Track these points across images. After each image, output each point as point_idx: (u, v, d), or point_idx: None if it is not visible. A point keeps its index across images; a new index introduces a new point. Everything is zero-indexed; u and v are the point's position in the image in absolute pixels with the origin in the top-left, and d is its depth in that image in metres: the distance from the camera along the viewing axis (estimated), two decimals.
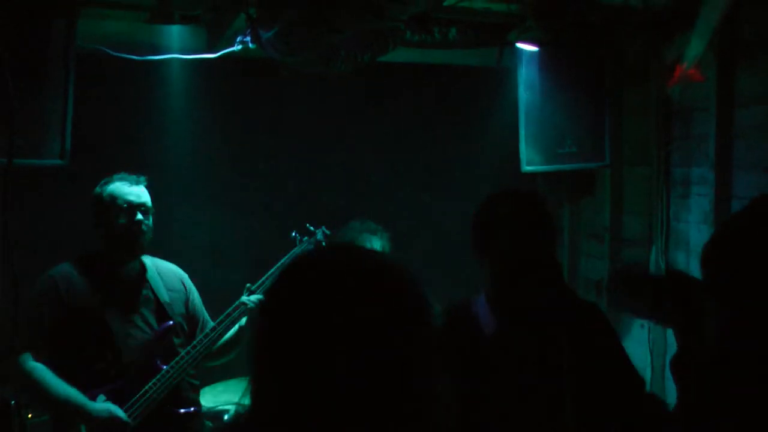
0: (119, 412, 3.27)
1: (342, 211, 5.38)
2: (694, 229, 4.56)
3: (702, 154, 4.43)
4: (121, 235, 3.46)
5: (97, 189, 3.50)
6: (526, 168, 4.72)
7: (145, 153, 4.75)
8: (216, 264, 5.05)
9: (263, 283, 3.67)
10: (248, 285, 3.67)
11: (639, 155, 4.98)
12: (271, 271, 3.71)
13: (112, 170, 4.08)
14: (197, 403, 3.69)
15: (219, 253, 5.14)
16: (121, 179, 3.50)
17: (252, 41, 3.62)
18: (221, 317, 3.57)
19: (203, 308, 3.80)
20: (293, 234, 3.98)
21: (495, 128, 5.24)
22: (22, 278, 3.62)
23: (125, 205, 3.45)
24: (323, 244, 4.03)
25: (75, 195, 4.19)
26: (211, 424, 3.95)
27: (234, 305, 3.59)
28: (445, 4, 3.85)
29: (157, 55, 3.99)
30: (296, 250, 3.89)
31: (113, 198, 3.46)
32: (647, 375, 4.94)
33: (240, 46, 3.73)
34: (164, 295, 3.58)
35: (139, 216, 3.46)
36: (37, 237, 4.28)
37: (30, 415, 3.99)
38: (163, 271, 3.67)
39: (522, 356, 2.52)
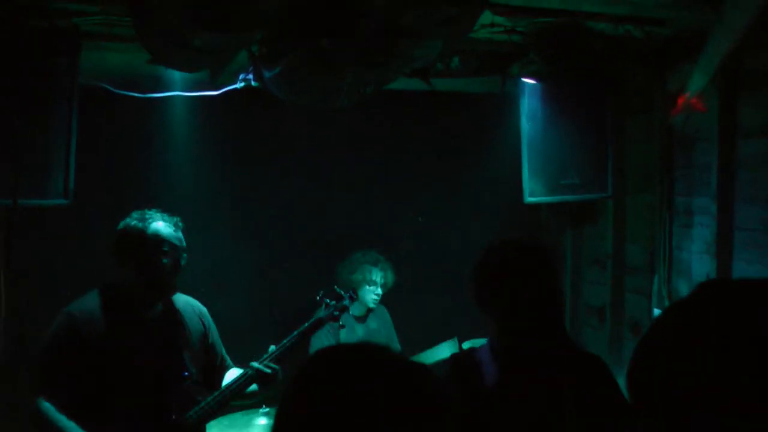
0: None
1: (346, 239, 5.40)
2: (696, 259, 4.56)
3: (704, 183, 4.43)
4: (161, 275, 3.38)
5: (136, 224, 3.39)
6: (529, 199, 4.72)
7: (148, 185, 4.76)
8: (219, 293, 5.04)
9: (283, 346, 3.59)
10: (272, 347, 3.58)
11: (641, 183, 4.99)
12: (294, 333, 3.65)
13: (117, 204, 4.09)
14: None
15: (222, 283, 5.14)
16: (163, 219, 3.44)
17: (254, 79, 3.63)
18: (237, 376, 3.49)
19: (221, 345, 3.74)
20: (320, 294, 3.95)
21: (499, 154, 5.24)
22: (28, 313, 3.65)
23: (170, 247, 3.39)
24: (349, 310, 3.99)
25: (80, 230, 4.22)
26: None
27: (249, 368, 3.50)
28: None
29: (159, 92, 4.00)
30: (321, 315, 3.85)
31: (160, 238, 3.38)
32: None
33: (242, 84, 3.73)
34: (182, 339, 3.50)
35: (181, 260, 3.44)
36: (41, 272, 4.29)
37: None
38: (183, 308, 3.59)
39: (523, 407, 2.50)
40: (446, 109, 5.31)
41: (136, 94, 3.91)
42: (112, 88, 3.85)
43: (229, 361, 3.73)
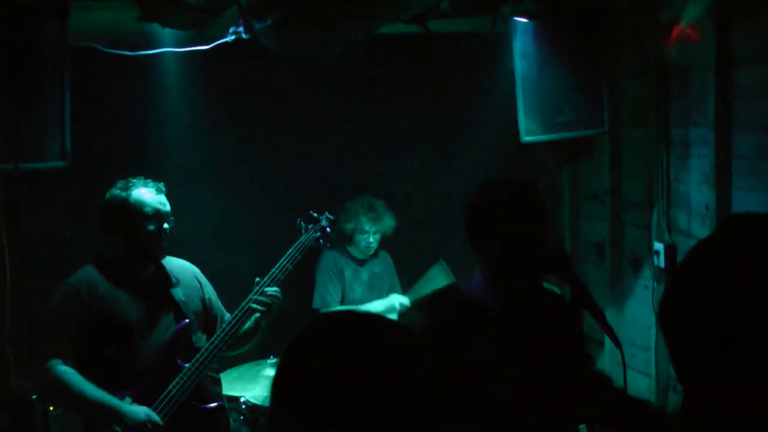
0: (154, 415, 3.32)
1: (342, 186, 5.40)
2: (694, 190, 4.57)
3: (701, 114, 4.42)
4: (147, 242, 3.49)
5: (120, 193, 3.48)
6: (526, 138, 4.72)
7: (144, 144, 4.74)
8: (220, 249, 5.08)
9: (272, 275, 3.69)
10: (257, 279, 3.68)
11: (637, 117, 4.97)
12: (280, 261, 3.75)
13: (113, 166, 4.08)
14: (221, 398, 3.75)
15: (222, 238, 5.16)
16: (145, 185, 3.51)
17: (245, 32, 3.59)
18: (236, 311, 3.60)
19: (219, 301, 3.83)
20: (298, 221, 3.99)
21: (493, 95, 5.21)
22: (32, 279, 3.66)
23: (153, 213, 3.47)
24: (328, 230, 4.04)
25: (78, 194, 4.20)
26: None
27: (247, 300, 3.61)
28: None
29: (149, 49, 3.96)
30: (303, 239, 3.93)
31: (141, 204, 3.46)
32: (651, 336, 4.99)
33: (233, 37, 3.70)
34: (180, 294, 3.60)
35: (166, 225, 3.50)
36: (44, 238, 4.28)
37: (51, 408, 4.05)
38: (177, 270, 3.69)
39: (531, 327, 2.58)
40: (438, 51, 5.25)
41: (126, 53, 3.88)
42: (101, 48, 3.81)
43: (228, 314, 3.78)
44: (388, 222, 5.34)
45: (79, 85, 3.70)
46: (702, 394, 1.33)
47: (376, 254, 5.46)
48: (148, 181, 3.53)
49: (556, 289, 2.89)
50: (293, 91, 5.23)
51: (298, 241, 3.89)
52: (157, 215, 3.47)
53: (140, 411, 3.29)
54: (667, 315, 1.37)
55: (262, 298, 3.61)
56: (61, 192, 4.27)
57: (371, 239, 5.26)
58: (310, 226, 4.01)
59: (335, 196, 5.35)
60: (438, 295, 2.78)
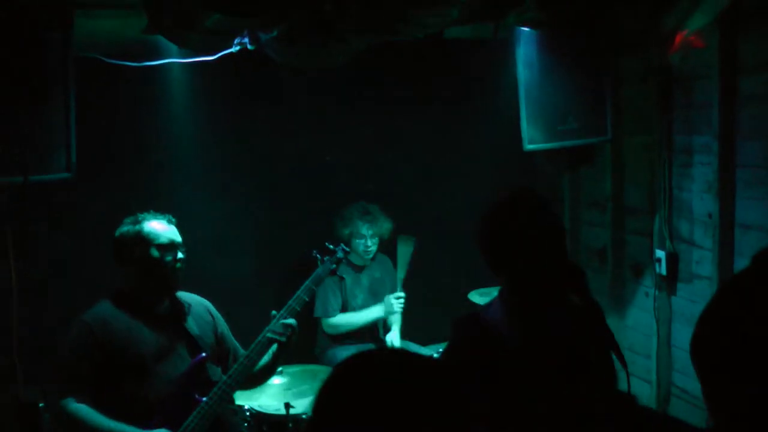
0: None
1: (344, 193, 5.39)
2: (697, 198, 4.58)
3: (704, 122, 4.42)
4: (162, 274, 3.46)
5: (131, 228, 3.46)
6: (529, 146, 4.72)
7: (149, 153, 4.72)
8: (222, 255, 5.06)
9: (289, 306, 3.65)
10: (273, 312, 3.63)
11: (639, 124, 4.97)
12: (296, 294, 3.71)
13: (119, 176, 4.06)
14: (238, 428, 3.76)
15: (225, 245, 5.14)
16: (155, 218, 3.50)
17: (250, 43, 3.57)
18: (253, 344, 3.57)
19: (231, 336, 3.81)
20: (314, 253, 4.00)
21: (495, 102, 5.20)
22: (40, 289, 3.65)
23: (167, 244, 3.46)
24: (344, 261, 4.07)
25: (85, 204, 4.19)
26: None
27: (264, 332, 3.58)
28: None
29: (154, 59, 3.93)
30: (319, 272, 3.91)
31: (154, 236, 3.45)
32: (653, 343, 5.01)
33: (238, 48, 3.67)
34: (195, 328, 3.57)
35: (180, 255, 3.49)
36: (49, 253, 4.27)
37: None
38: (190, 301, 3.67)
39: (553, 361, 2.49)
40: (440, 58, 5.26)
41: (130, 63, 3.85)
42: (105, 59, 3.78)
43: (242, 350, 3.74)
44: (385, 225, 5.34)
45: (84, 95, 3.67)
46: (735, 427, 1.33)
47: (375, 259, 5.45)
48: (158, 213, 3.53)
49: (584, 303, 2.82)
50: (296, 99, 5.21)
51: (314, 273, 3.87)
52: (171, 246, 3.47)
53: None
54: (701, 347, 1.37)
55: (280, 329, 3.57)
56: (68, 202, 4.23)
57: (369, 243, 5.26)
58: (326, 258, 4.00)
59: (337, 203, 5.35)
60: (459, 322, 2.72)
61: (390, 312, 5.24)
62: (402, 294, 5.25)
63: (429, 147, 5.72)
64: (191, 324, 3.57)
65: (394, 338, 5.30)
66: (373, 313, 5.27)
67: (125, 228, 3.48)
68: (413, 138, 5.64)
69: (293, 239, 5.47)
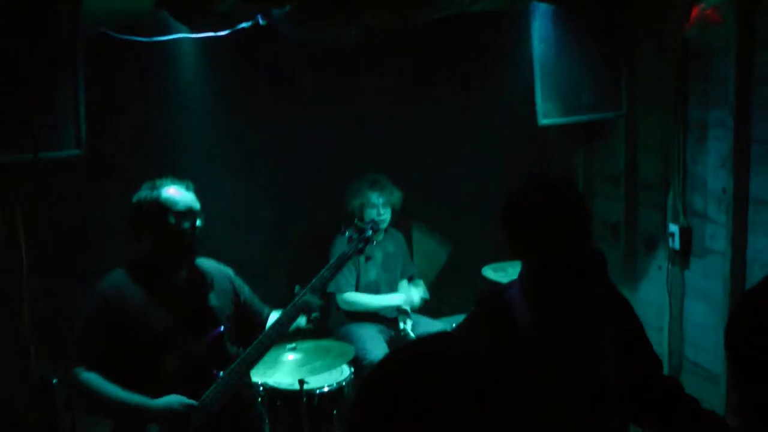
0: (185, 399, 3.22)
1: (358, 170, 5.37)
2: (711, 173, 4.54)
3: (720, 97, 4.38)
4: (180, 241, 3.37)
5: (149, 194, 3.35)
6: (543, 121, 4.69)
7: (159, 130, 4.70)
8: (234, 233, 5.06)
9: (312, 285, 3.56)
10: (297, 288, 3.56)
11: (654, 99, 4.92)
12: (321, 272, 3.61)
13: (129, 153, 4.04)
14: (254, 403, 3.75)
15: (237, 223, 5.14)
16: (173, 184, 3.40)
17: (262, 18, 3.54)
18: (273, 323, 3.49)
19: (255, 299, 3.73)
20: (342, 229, 3.91)
21: (510, 77, 5.16)
22: (51, 266, 3.65)
23: (186, 210, 3.37)
24: (373, 241, 3.95)
25: (95, 182, 4.18)
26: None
27: (284, 311, 3.50)
28: None
29: (165, 35, 3.89)
30: (347, 251, 3.78)
31: (173, 203, 3.35)
32: (665, 316, 5.00)
33: (250, 23, 3.64)
34: (213, 300, 3.48)
35: (198, 222, 3.40)
36: (61, 225, 4.27)
37: None
38: (209, 272, 3.57)
39: (562, 352, 2.47)
40: (454, 33, 5.21)
41: (140, 39, 3.81)
42: (115, 34, 3.74)
43: (266, 309, 3.71)
44: (395, 193, 5.31)
45: (94, 72, 3.64)
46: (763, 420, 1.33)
47: (388, 233, 5.43)
48: (175, 179, 3.42)
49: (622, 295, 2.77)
50: (308, 74, 5.18)
51: (341, 253, 3.76)
52: (190, 213, 3.37)
53: (171, 399, 3.21)
54: (736, 337, 1.36)
55: (302, 306, 3.49)
56: (79, 180, 4.21)
57: (381, 211, 5.23)
58: (355, 236, 3.86)
59: (350, 179, 5.33)
60: (484, 295, 2.71)
61: (409, 303, 5.25)
62: (426, 296, 5.30)
63: (442, 122, 5.68)
64: (211, 295, 3.49)
65: (407, 320, 5.28)
66: (391, 300, 5.26)
67: (143, 194, 3.37)
68: (426, 113, 5.60)
69: (306, 215, 5.47)
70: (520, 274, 2.60)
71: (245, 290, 3.70)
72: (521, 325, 2.48)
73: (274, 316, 3.70)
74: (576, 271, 2.47)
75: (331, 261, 3.67)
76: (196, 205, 3.42)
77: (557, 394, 2.45)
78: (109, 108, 4.17)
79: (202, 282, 3.50)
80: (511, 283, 2.63)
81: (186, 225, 3.35)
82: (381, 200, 5.21)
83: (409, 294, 5.24)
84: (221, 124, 5.01)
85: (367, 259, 4.03)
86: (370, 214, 5.19)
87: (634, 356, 2.58)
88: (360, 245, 3.81)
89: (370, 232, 3.86)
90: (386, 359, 1.31)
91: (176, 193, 3.37)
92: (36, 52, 3.42)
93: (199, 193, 3.46)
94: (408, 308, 5.28)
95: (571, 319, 2.49)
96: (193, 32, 3.95)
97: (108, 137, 4.08)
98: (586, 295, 2.51)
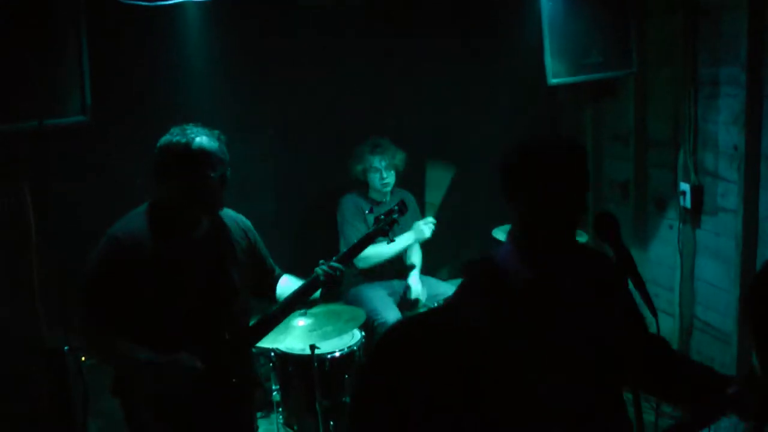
0: (188, 358, 3.11)
1: (364, 133, 5.33)
2: (722, 130, 4.51)
3: (732, 53, 4.33)
4: (210, 193, 3.16)
5: (180, 139, 3.12)
6: (553, 80, 4.65)
7: (165, 94, 4.65)
8: (242, 196, 5.03)
9: (335, 260, 3.47)
10: (321, 262, 3.45)
11: (664, 56, 4.87)
12: (342, 253, 3.57)
13: (136, 118, 4.00)
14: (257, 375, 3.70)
15: (244, 186, 5.10)
16: (206, 133, 3.19)
17: None
18: (292, 294, 3.41)
19: (268, 254, 3.61)
20: (369, 208, 3.79)
21: (517, 37, 5.10)
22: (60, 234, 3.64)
23: (216, 163, 3.15)
24: (399, 222, 3.86)
25: (102, 148, 4.16)
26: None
27: (305, 282, 3.42)
28: None
29: (167, 0, 3.83)
30: (372, 231, 3.71)
31: (206, 153, 3.13)
32: (676, 276, 4.99)
33: None
34: (230, 257, 3.34)
35: (228, 173, 3.22)
36: (69, 193, 4.25)
37: (84, 358, 4.05)
38: (229, 224, 3.41)
39: (560, 301, 2.49)
40: None
41: (144, 3, 3.74)
42: None
43: (278, 269, 3.63)
44: (398, 155, 5.25)
45: (97, 37, 3.59)
46: None
47: (394, 194, 5.39)
48: (207, 128, 3.22)
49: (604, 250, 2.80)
50: (314, 35, 5.13)
51: (366, 234, 3.69)
52: (220, 164, 3.17)
53: (172, 359, 3.11)
54: (758, 302, 1.35)
55: (328, 270, 3.39)
56: (85, 147, 4.18)
57: (385, 175, 5.19)
58: (382, 217, 3.77)
59: (357, 141, 5.29)
60: (473, 261, 2.71)
61: (420, 238, 5.19)
62: (432, 219, 5.20)
63: (450, 82, 5.62)
64: (227, 252, 3.33)
65: (414, 281, 5.27)
66: (404, 240, 5.20)
67: (174, 139, 3.14)
68: (435, 73, 5.55)
69: (313, 178, 5.44)
70: (511, 231, 2.61)
71: (260, 244, 3.57)
72: (514, 281, 2.48)
73: (285, 278, 3.64)
74: (568, 225, 2.49)
75: (347, 219, 3.62)
76: (226, 157, 3.22)
77: (551, 353, 2.47)
78: (113, 73, 4.12)
79: (223, 237, 3.35)
80: (499, 248, 2.63)
81: (214, 176, 3.15)
82: (383, 164, 5.17)
83: (420, 228, 5.18)
84: (226, 89, 4.95)
85: (390, 241, 3.95)
86: (374, 178, 5.16)
87: (621, 312, 2.52)
88: (386, 227, 3.74)
89: (396, 215, 3.80)
90: (389, 332, 1.32)
91: (208, 142, 3.16)
92: (39, 19, 3.36)
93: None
94: (417, 263, 5.27)
95: (563, 272, 2.51)
96: None
97: (113, 103, 4.02)
98: (575, 249, 2.56)
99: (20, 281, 3.79)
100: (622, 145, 5.43)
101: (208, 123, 4.40)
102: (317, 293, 3.45)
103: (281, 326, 4.02)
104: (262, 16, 4.69)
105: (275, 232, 5.22)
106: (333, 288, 3.46)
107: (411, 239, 5.17)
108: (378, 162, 5.16)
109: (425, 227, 5.14)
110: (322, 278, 3.39)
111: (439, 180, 5.35)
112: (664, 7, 4.79)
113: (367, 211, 3.82)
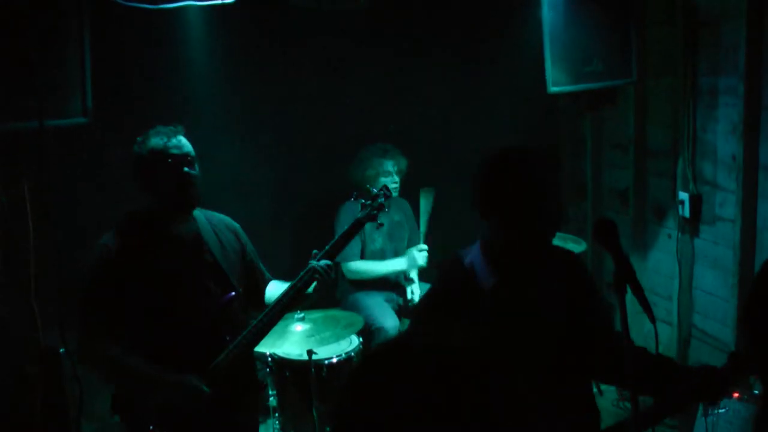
0: (195, 381, 3.12)
1: (363, 136, 5.35)
2: (721, 140, 4.52)
3: (731, 63, 4.35)
4: (171, 192, 3.23)
5: (136, 148, 3.26)
6: (553, 89, 4.66)
7: (166, 96, 4.66)
8: (239, 197, 5.04)
9: (328, 250, 3.45)
10: (314, 251, 3.44)
11: (664, 66, 4.89)
12: (335, 239, 3.52)
13: (138, 121, 4.00)
14: (256, 378, 3.69)
15: (242, 187, 5.12)
16: (157, 133, 3.25)
17: None
18: (287, 289, 3.38)
19: (259, 259, 3.63)
20: (354, 195, 3.79)
21: (519, 45, 5.12)
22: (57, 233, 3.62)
23: (169, 160, 3.20)
24: (386, 208, 3.75)
25: (102, 148, 4.16)
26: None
27: (300, 275, 3.37)
28: None
29: (170, 3, 3.83)
30: (360, 217, 3.65)
31: (155, 153, 3.20)
32: (674, 285, 4.99)
33: None
34: (222, 258, 3.37)
35: (186, 168, 3.24)
36: (67, 193, 4.25)
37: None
38: (217, 226, 3.45)
39: (524, 304, 2.58)
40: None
41: (147, 6, 3.75)
42: (121, 1, 3.69)
43: (267, 274, 3.64)
44: (403, 160, 5.32)
45: (99, 39, 3.60)
46: None
47: (395, 202, 5.40)
48: (160, 126, 3.28)
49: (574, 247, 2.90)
50: (314, 40, 5.15)
51: (355, 219, 3.64)
52: (178, 159, 3.22)
53: (179, 379, 3.12)
54: (755, 309, 1.36)
55: (320, 269, 3.36)
56: (85, 149, 4.19)
57: (396, 179, 5.23)
58: (368, 203, 3.71)
59: (355, 146, 5.30)
60: (443, 262, 2.79)
61: (414, 266, 5.22)
62: (425, 247, 5.23)
63: (450, 89, 5.64)
64: (219, 253, 3.36)
65: (414, 288, 5.27)
66: (396, 265, 5.24)
67: (135, 147, 3.26)
68: (434, 80, 5.57)
69: (311, 183, 5.45)
70: (482, 238, 2.66)
71: (250, 248, 3.59)
72: (484, 285, 2.58)
73: (273, 283, 3.62)
74: (538, 233, 2.56)
75: (345, 227, 3.60)
76: (183, 150, 3.26)
77: (522, 354, 2.48)
78: (115, 76, 4.13)
79: (210, 237, 3.37)
80: (468, 250, 2.70)
81: (174, 172, 3.20)
82: (395, 168, 5.23)
83: (413, 256, 5.21)
84: (227, 92, 4.98)
85: (379, 226, 3.91)
86: (384, 182, 5.18)
87: (587, 312, 2.71)
88: (374, 212, 3.70)
89: (382, 199, 3.74)
90: (365, 361, 1.36)
91: (161, 142, 3.22)
92: (42, 20, 3.37)
93: (205, 160, 3.36)
94: (414, 273, 5.26)
95: (532, 276, 2.61)
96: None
97: (114, 105, 4.03)
98: (544, 254, 2.65)
99: (18, 280, 3.78)
100: (622, 154, 5.45)
101: (207, 126, 4.45)
102: (311, 288, 3.41)
103: (279, 331, 4.05)
104: (262, 20, 4.71)
105: (273, 234, 5.23)
106: (326, 281, 3.41)
107: (403, 266, 5.20)
108: (391, 166, 5.21)
109: (418, 255, 5.18)
110: (308, 275, 3.36)
111: (423, 206, 5.37)
112: (664, 17, 4.81)
113: (359, 201, 3.78)
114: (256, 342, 3.38)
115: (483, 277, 2.59)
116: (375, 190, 3.75)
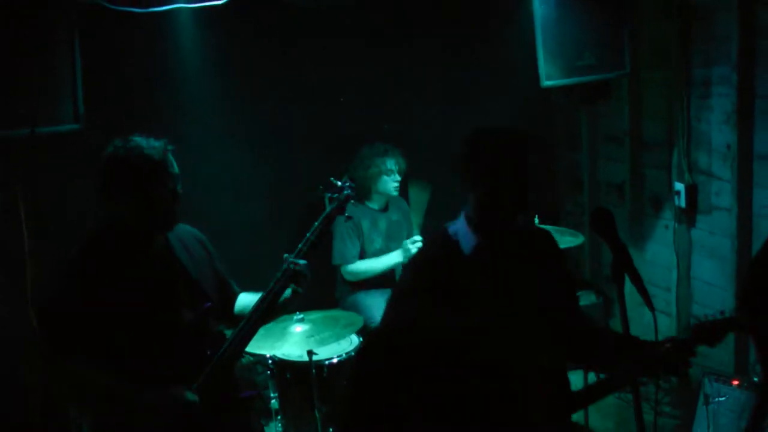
0: (180, 391, 2.93)
1: (359, 135, 5.34)
2: (715, 130, 4.53)
3: (723, 54, 4.36)
4: (160, 207, 2.96)
5: (118, 152, 2.92)
6: (546, 83, 4.65)
7: (158, 101, 4.65)
8: (237, 200, 5.05)
9: (300, 250, 3.28)
10: (286, 255, 3.26)
11: (657, 58, 4.90)
12: (307, 236, 3.35)
13: (129, 124, 3.98)
14: (255, 384, 3.57)
15: (239, 190, 5.12)
16: (147, 142, 2.95)
17: None
18: (264, 294, 3.20)
19: (225, 271, 3.42)
20: (319, 189, 3.73)
21: (512, 39, 5.11)
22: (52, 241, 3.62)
23: (165, 176, 2.94)
24: (351, 200, 3.61)
25: (95, 154, 4.14)
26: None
27: (275, 279, 3.20)
28: None
29: (160, 6, 3.81)
30: (327, 212, 3.48)
31: (152, 165, 2.91)
32: (672, 275, 4.99)
33: None
34: (194, 271, 3.17)
35: (178, 187, 2.99)
36: (61, 200, 4.24)
37: None
38: (184, 238, 3.24)
39: (502, 268, 2.78)
40: None
41: (137, 10, 3.73)
42: (111, 6, 3.67)
43: (235, 286, 3.46)
44: (402, 160, 5.32)
45: (91, 44, 3.59)
46: None
47: (393, 202, 5.41)
48: (151, 138, 2.97)
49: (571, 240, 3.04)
50: (307, 39, 5.14)
51: (323, 214, 3.46)
52: (169, 175, 2.95)
53: (159, 394, 2.91)
54: (752, 299, 1.36)
55: (290, 274, 3.19)
56: (77, 153, 4.16)
57: (398, 177, 5.24)
58: (335, 195, 3.56)
59: (352, 145, 5.29)
60: (429, 233, 2.97)
61: (409, 257, 5.21)
62: (419, 238, 5.21)
63: (444, 85, 5.64)
64: (191, 266, 3.17)
65: None
66: (393, 258, 5.23)
67: (118, 152, 2.94)
68: (428, 76, 5.56)
69: (307, 181, 5.43)
70: (464, 209, 2.87)
71: (217, 257, 3.40)
72: (464, 246, 2.80)
73: (243, 295, 3.46)
74: (516, 206, 2.81)
75: (315, 224, 3.49)
76: (174, 169, 2.99)
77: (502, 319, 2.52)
78: (106, 81, 4.12)
79: (180, 251, 3.17)
80: (454, 222, 2.90)
81: (164, 189, 2.96)
82: (397, 167, 5.23)
83: (407, 248, 5.19)
84: (220, 94, 4.97)
85: (347, 219, 3.82)
86: (387, 181, 5.19)
87: (560, 289, 2.97)
88: (342, 204, 3.54)
89: (348, 191, 3.58)
90: (362, 352, 1.37)
91: (155, 153, 2.94)
92: (32, 26, 3.36)
93: (196, 156, 3.29)
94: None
95: (509, 243, 2.84)
96: (190, 2, 3.89)
97: (106, 110, 4.01)
98: (516, 224, 2.90)
99: (13, 281, 3.78)
100: (618, 147, 5.45)
101: (202, 128, 4.42)
102: (288, 292, 3.25)
103: (278, 333, 4.04)
104: (256, 19, 4.69)
105: (270, 234, 5.22)
106: (300, 281, 3.26)
107: (399, 258, 5.19)
108: (393, 164, 5.21)
109: (413, 247, 5.15)
110: (289, 273, 3.21)
111: (418, 199, 5.37)
112: (657, 10, 4.82)
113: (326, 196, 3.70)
114: (240, 353, 3.24)
115: (465, 242, 2.80)
116: (339, 183, 3.60)
